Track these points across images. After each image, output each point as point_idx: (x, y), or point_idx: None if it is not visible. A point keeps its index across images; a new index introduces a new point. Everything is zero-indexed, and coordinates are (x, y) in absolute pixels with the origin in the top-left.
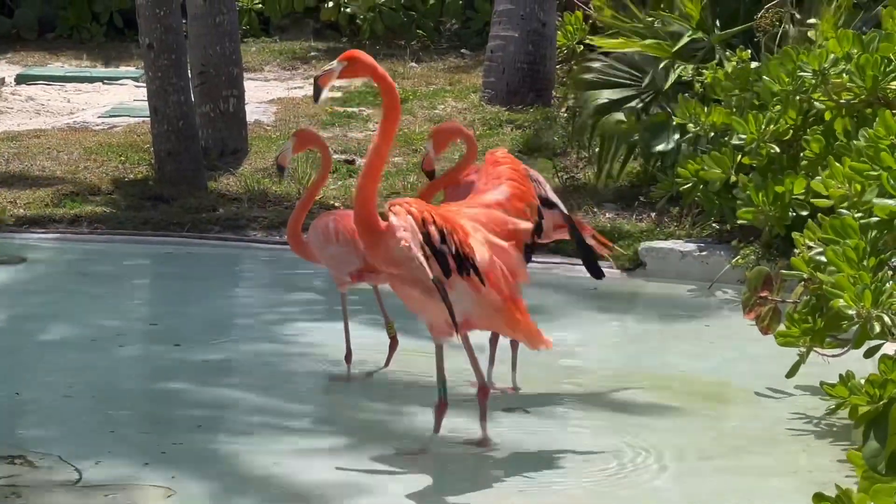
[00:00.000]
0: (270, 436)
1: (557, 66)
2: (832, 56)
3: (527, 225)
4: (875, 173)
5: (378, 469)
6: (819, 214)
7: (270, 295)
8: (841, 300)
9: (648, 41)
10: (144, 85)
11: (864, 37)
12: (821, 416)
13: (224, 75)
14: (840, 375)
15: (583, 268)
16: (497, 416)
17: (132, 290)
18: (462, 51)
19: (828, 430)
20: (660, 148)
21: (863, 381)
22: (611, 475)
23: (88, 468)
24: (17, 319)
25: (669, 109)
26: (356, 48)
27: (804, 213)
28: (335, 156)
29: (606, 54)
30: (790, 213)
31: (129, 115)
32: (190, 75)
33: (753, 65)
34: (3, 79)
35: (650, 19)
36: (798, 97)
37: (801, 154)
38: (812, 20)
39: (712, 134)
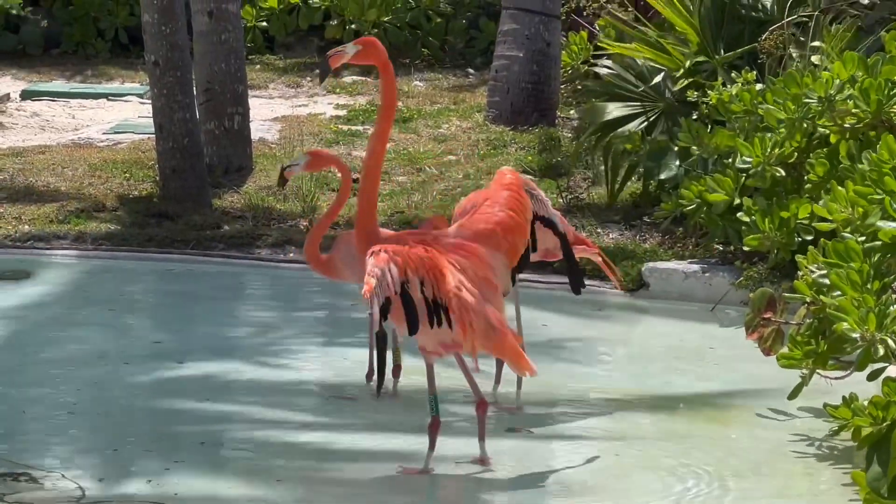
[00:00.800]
0: (273, 454)
1: (562, 87)
2: (837, 82)
3: (502, 263)
4: (879, 197)
5: (379, 487)
6: (822, 239)
7: (274, 313)
8: (845, 323)
9: (659, 54)
10: (149, 101)
11: (868, 60)
12: (823, 438)
13: (229, 93)
14: (843, 397)
15: (586, 287)
16: (500, 436)
17: (136, 306)
18: (467, 70)
19: (830, 452)
20: (664, 170)
21: (866, 404)
22: (611, 495)
23: (92, 485)
24: (21, 335)
25: (673, 131)
26: (361, 66)
27: (809, 237)
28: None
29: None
30: (795, 239)
31: (133, 132)
32: (195, 92)
33: (758, 86)
34: (9, 94)
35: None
36: (804, 123)
37: (805, 177)
38: (816, 43)
39: (716, 157)
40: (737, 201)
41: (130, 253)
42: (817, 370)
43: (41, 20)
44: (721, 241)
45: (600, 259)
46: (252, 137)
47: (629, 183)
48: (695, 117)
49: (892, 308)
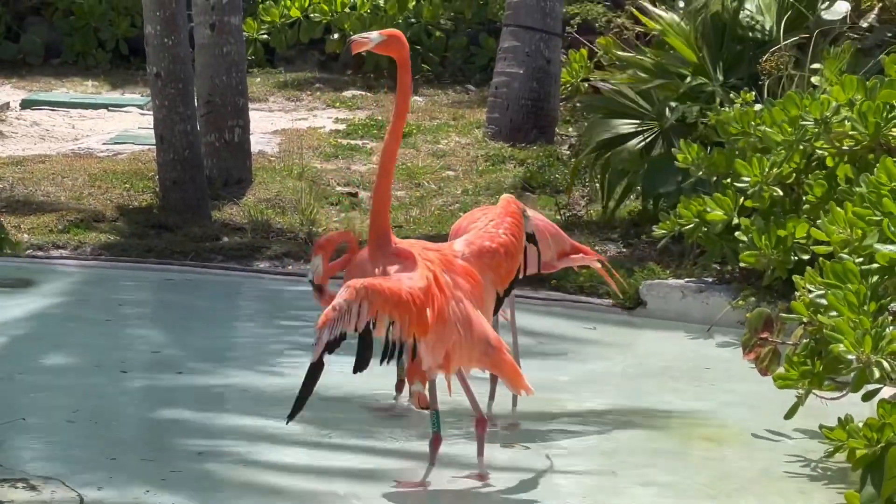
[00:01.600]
0: (270, 465)
1: (561, 104)
2: (834, 104)
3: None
4: (877, 219)
5: (377, 501)
6: (820, 259)
7: (273, 324)
8: (841, 345)
9: (657, 81)
10: (149, 112)
11: (867, 83)
12: (818, 459)
13: (230, 105)
14: (839, 419)
15: (583, 304)
16: (494, 451)
17: (135, 317)
18: (466, 86)
19: (824, 472)
20: (662, 189)
21: (861, 425)
22: None
23: (90, 493)
24: (19, 343)
25: (672, 151)
26: (361, 80)
27: (805, 256)
28: (338, 188)
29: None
30: (792, 257)
31: (133, 143)
32: (196, 104)
33: (757, 107)
34: (9, 103)
35: (654, 60)
36: (802, 145)
37: (804, 198)
38: (815, 65)
39: (715, 178)
40: (735, 221)
41: (129, 263)
42: (813, 391)
43: (42, 30)
44: (718, 260)
45: (599, 266)
46: (252, 150)
47: (627, 201)
48: (693, 138)
49: (888, 330)
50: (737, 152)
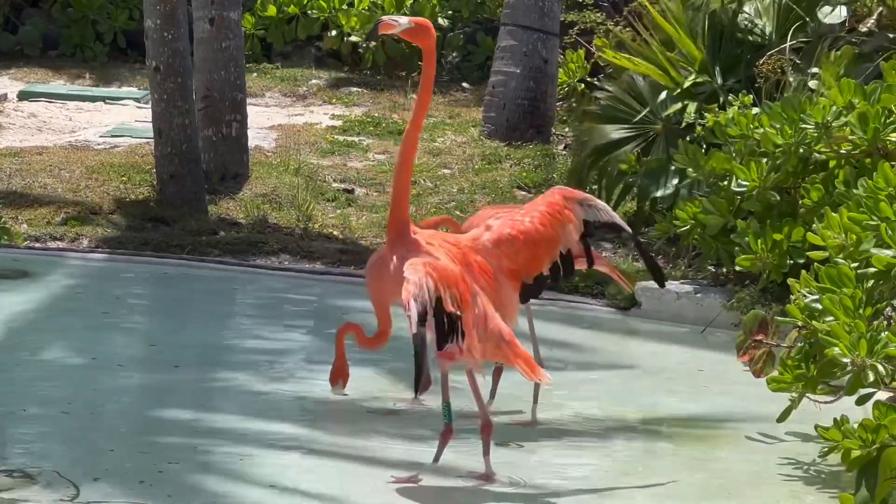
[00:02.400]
0: (266, 459)
1: (558, 104)
2: (835, 109)
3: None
4: (873, 223)
5: (371, 498)
6: (815, 264)
7: (269, 320)
8: (836, 348)
9: (657, 70)
10: (146, 106)
11: (865, 88)
12: (810, 462)
13: (228, 100)
14: (834, 419)
15: (578, 305)
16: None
17: (131, 310)
18: (463, 84)
19: (816, 475)
20: (658, 193)
21: (856, 426)
22: None
23: (86, 485)
24: (15, 335)
25: (669, 153)
26: (358, 77)
27: (801, 260)
28: (334, 184)
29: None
30: (788, 261)
31: (130, 136)
32: (194, 99)
33: (755, 110)
34: (6, 94)
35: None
36: (801, 149)
37: (800, 202)
38: (813, 69)
39: (711, 179)
40: (731, 224)
41: (126, 256)
42: (807, 394)
43: (40, 21)
44: (714, 262)
45: (608, 269)
46: (249, 145)
47: (623, 202)
48: (690, 140)
49: (883, 334)
50: (734, 155)
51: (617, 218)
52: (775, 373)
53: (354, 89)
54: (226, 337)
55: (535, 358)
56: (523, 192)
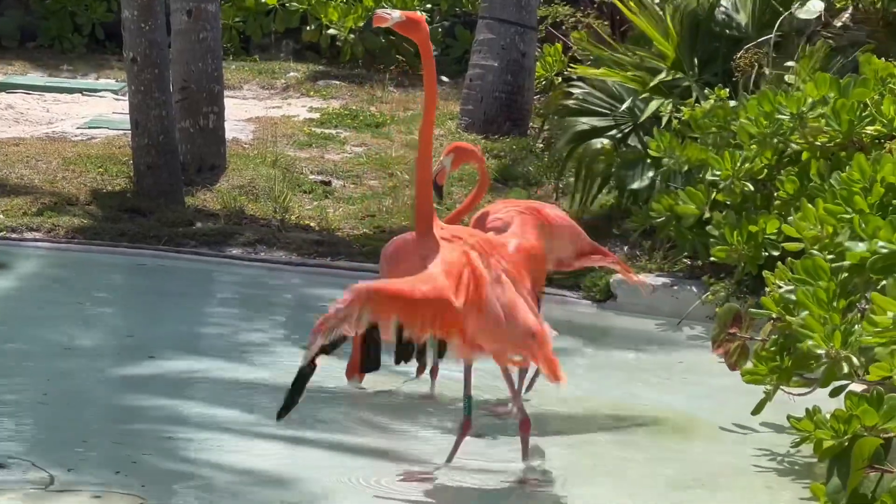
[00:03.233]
0: (241, 448)
1: (535, 97)
2: (810, 100)
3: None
4: (848, 216)
5: (342, 485)
6: (790, 259)
7: (245, 311)
8: (810, 340)
9: (629, 73)
10: (124, 97)
11: (840, 81)
12: (784, 454)
13: (205, 92)
14: (806, 409)
15: (554, 297)
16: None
17: (108, 301)
18: (441, 78)
19: (790, 467)
20: (635, 185)
21: (828, 416)
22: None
23: (61, 474)
24: None
25: (645, 144)
26: (336, 70)
27: (776, 252)
28: (311, 176)
29: (585, 80)
30: (763, 253)
31: (108, 127)
32: (171, 90)
33: (731, 103)
34: None
35: (629, 55)
36: (775, 139)
37: (775, 194)
38: (790, 63)
39: (686, 168)
40: (707, 215)
41: (103, 247)
42: (781, 386)
43: (18, 13)
44: (689, 254)
45: (617, 267)
46: (226, 137)
47: (600, 195)
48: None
49: (857, 326)
50: (710, 146)
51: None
52: (750, 365)
53: (332, 82)
54: (202, 327)
55: None
56: (499, 185)
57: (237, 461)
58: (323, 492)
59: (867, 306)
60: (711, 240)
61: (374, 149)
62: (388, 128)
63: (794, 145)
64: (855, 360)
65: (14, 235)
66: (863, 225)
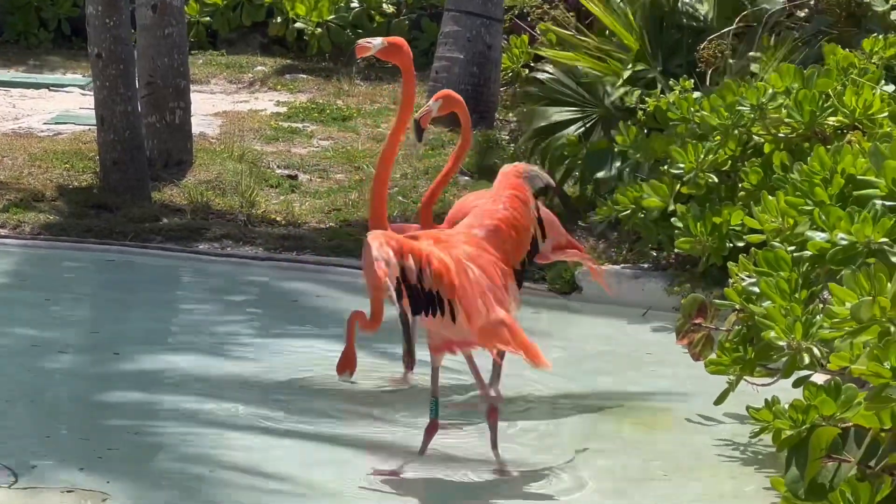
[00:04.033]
0: (207, 445)
1: (501, 89)
2: (770, 91)
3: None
4: (809, 208)
5: (305, 483)
6: (753, 249)
7: (211, 306)
8: (772, 331)
9: (596, 56)
10: (91, 93)
11: (804, 72)
12: (747, 443)
13: (171, 87)
14: (766, 400)
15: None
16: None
17: (73, 297)
18: None
19: (753, 457)
20: (601, 175)
21: (787, 407)
22: (534, 494)
23: (24, 472)
24: None
25: (612, 136)
26: (303, 64)
27: (740, 244)
28: (278, 171)
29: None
30: (727, 244)
31: (74, 123)
32: (137, 85)
33: (695, 95)
34: None
35: (596, 42)
36: (737, 130)
37: (740, 185)
38: (754, 53)
39: (653, 160)
40: (671, 207)
41: (69, 243)
42: (744, 377)
43: None
44: (654, 246)
45: (591, 264)
46: (193, 132)
47: (565, 186)
48: (631, 124)
49: (818, 317)
50: (675, 138)
51: (544, 175)
52: (714, 355)
53: (300, 76)
54: (168, 323)
55: None
56: (466, 178)
57: (205, 456)
58: (294, 487)
59: (828, 297)
60: (676, 231)
61: (340, 142)
62: (355, 121)
63: (756, 137)
64: (816, 350)
65: None
66: (823, 216)
